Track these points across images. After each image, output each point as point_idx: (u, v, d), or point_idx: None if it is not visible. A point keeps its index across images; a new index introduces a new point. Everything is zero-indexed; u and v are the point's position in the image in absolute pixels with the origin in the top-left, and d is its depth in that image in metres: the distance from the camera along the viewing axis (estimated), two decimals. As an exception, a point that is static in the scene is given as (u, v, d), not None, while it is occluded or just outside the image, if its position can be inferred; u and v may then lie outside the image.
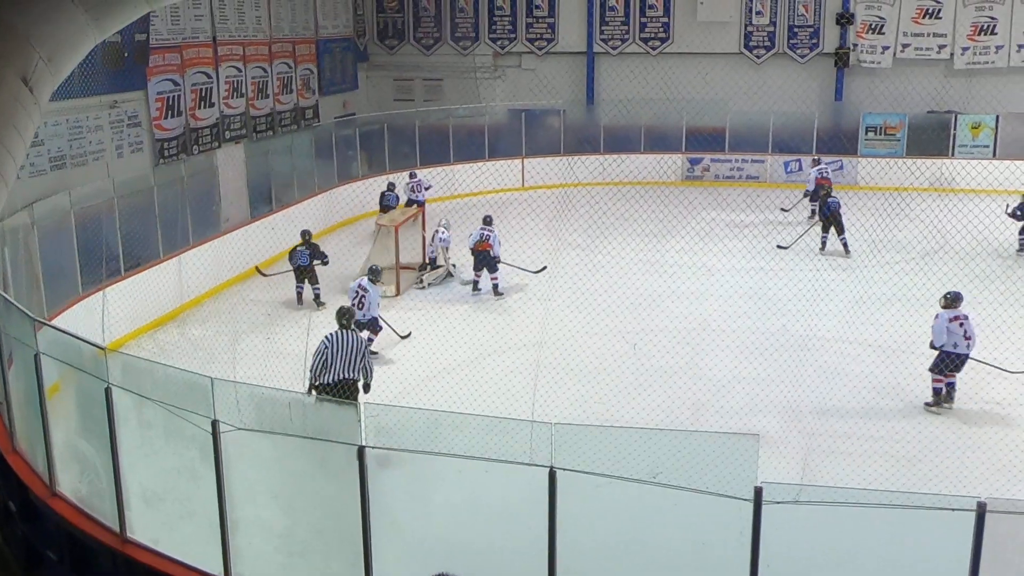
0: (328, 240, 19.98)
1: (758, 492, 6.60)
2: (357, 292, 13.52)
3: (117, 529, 8.15)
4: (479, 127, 26.01)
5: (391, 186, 21.36)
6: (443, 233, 17.48)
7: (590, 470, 6.83)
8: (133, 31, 17.23)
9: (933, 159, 24.71)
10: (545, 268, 17.08)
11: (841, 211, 19.45)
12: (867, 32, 27.33)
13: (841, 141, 26.19)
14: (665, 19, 28.28)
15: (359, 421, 7.22)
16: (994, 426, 10.91)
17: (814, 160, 23.76)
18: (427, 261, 17.69)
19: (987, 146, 26.06)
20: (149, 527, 8.17)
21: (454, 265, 17.76)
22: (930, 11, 26.94)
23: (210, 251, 16.58)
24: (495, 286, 16.74)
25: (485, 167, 24.13)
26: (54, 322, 11.39)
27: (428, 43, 29.48)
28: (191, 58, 19.95)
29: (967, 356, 11.78)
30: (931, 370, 11.90)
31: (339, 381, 10.22)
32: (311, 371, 10.37)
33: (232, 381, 7.67)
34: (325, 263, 16.33)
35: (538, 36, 28.97)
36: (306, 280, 16.38)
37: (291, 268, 16.42)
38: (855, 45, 27.34)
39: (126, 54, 17.52)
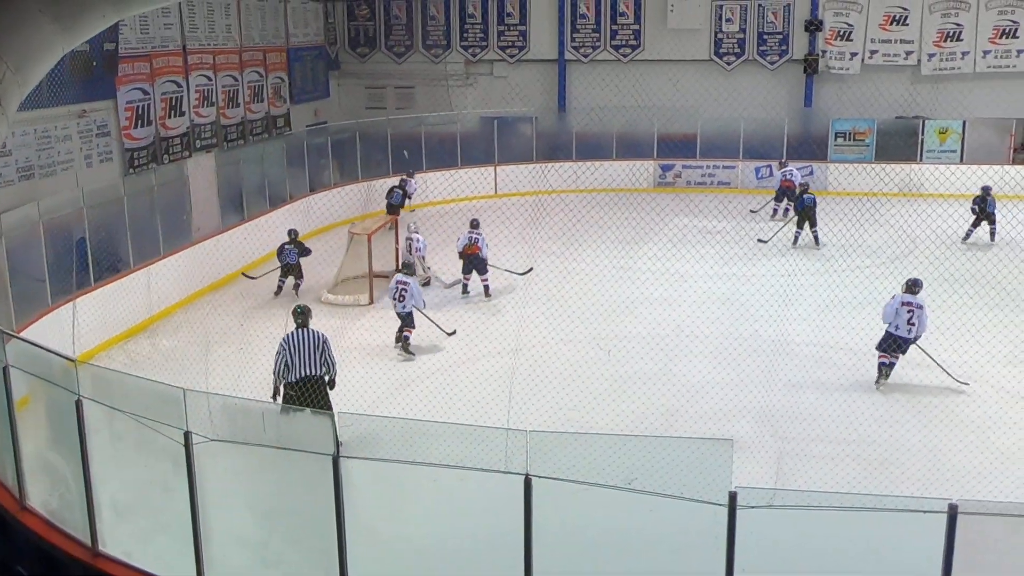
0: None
1: (732, 497, 6.63)
2: (397, 287, 13.99)
3: (88, 542, 8.07)
4: (451, 135, 26.02)
5: (402, 182, 22.21)
6: (418, 243, 17.47)
7: (565, 477, 6.84)
8: (102, 40, 17.10)
9: (902, 164, 24.97)
10: (532, 270, 17.30)
11: (816, 208, 20.32)
12: (835, 39, 27.59)
13: (811, 147, 26.43)
14: (636, 26, 28.42)
15: (333, 431, 7.21)
16: (965, 429, 11.01)
17: (780, 163, 24.22)
18: (400, 268, 17.65)
19: (954, 151, 26.37)
20: (121, 540, 8.10)
21: (433, 275, 17.78)
22: (897, 18, 27.24)
23: (181, 261, 16.47)
24: (486, 288, 16.86)
25: (457, 175, 24.14)
26: (23, 334, 11.28)
27: (400, 51, 29.45)
28: (161, 67, 19.83)
29: (905, 340, 12.47)
30: (877, 347, 12.66)
31: (303, 379, 10.32)
32: (274, 374, 10.48)
33: (204, 392, 7.62)
34: (307, 254, 17.19)
35: (510, 44, 29.03)
36: (290, 275, 16.94)
37: (279, 265, 17.03)
38: (824, 52, 27.58)
39: (95, 63, 17.39)
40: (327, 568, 7.11)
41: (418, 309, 14.17)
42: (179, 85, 20.55)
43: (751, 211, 23.44)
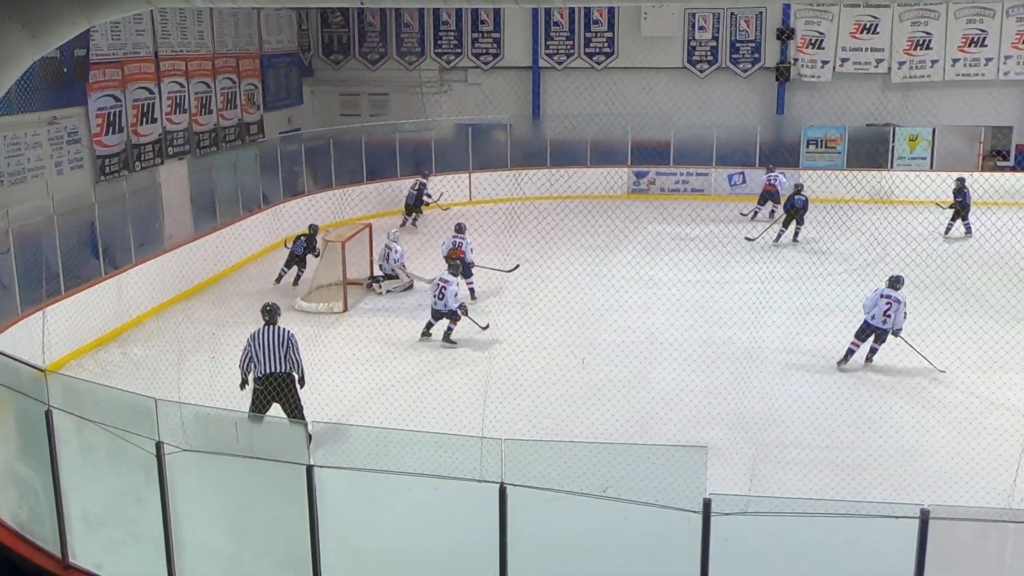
0: (275, 256, 19.83)
1: (707, 504, 6.66)
2: (439, 284, 14.55)
3: (59, 555, 7.98)
4: (425, 142, 25.98)
5: (421, 184, 23.11)
6: (396, 253, 17.45)
7: (540, 485, 6.84)
8: (72, 46, 16.97)
9: (873, 171, 25.19)
10: (519, 266, 17.46)
11: (806, 211, 21.17)
12: (807, 47, 27.83)
13: (783, 154, 26.63)
14: (610, 34, 28.53)
15: (307, 440, 7.17)
16: (938, 434, 11.09)
17: (768, 168, 24.49)
18: (375, 276, 17.61)
19: (924, 158, 26.64)
20: (92, 552, 8.02)
21: (415, 277, 17.81)
22: (867, 26, 27.51)
23: (153, 269, 16.33)
24: (472, 291, 16.96)
25: (432, 182, 24.10)
26: (-8, 343, 11.14)
27: (374, 58, 29.41)
28: (132, 73, 19.69)
29: (878, 329, 13.30)
30: (855, 335, 13.47)
31: (268, 375, 10.45)
32: (240, 367, 10.69)
33: (176, 401, 7.58)
34: (316, 255, 17.65)
35: (484, 51, 29.06)
36: (295, 266, 17.75)
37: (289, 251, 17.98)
38: (796, 60, 27.81)
39: (65, 69, 17.25)
40: (301, 579, 7.07)
41: (455, 310, 14.66)
42: (151, 92, 20.42)
43: (741, 214, 23.90)
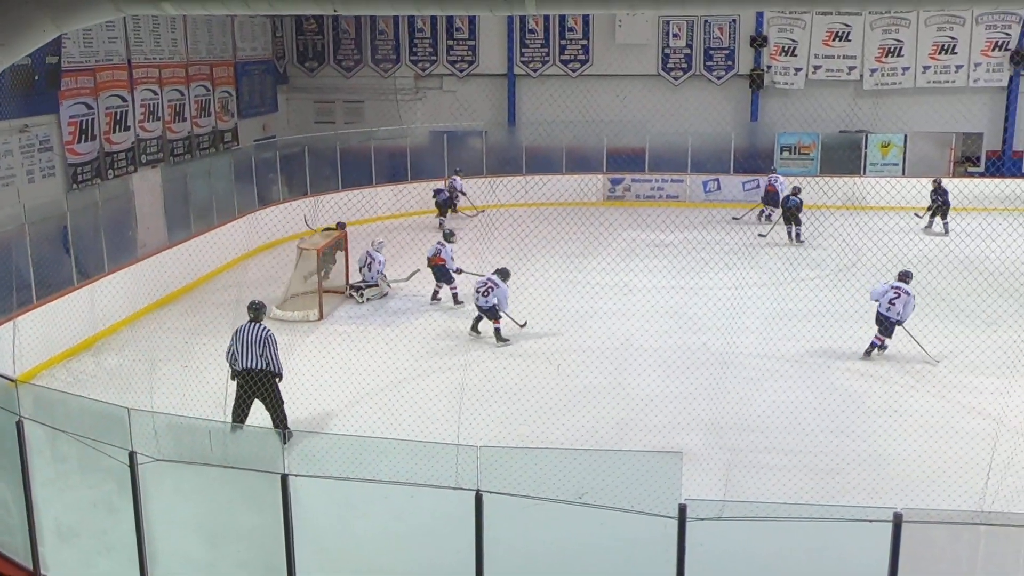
0: (250, 264, 19.76)
1: (682, 509, 6.68)
2: (486, 284, 14.97)
3: (30, 567, 7.91)
4: (401, 149, 25.96)
5: (451, 184, 23.77)
6: (379, 263, 17.41)
7: (516, 492, 6.84)
8: (44, 54, 16.84)
9: (845, 177, 25.40)
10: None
11: (800, 210, 22.06)
12: (780, 54, 28.04)
13: (757, 160, 26.81)
14: (584, 41, 28.63)
15: (285, 438, 7.14)
16: (911, 438, 11.18)
17: (771, 170, 25.03)
18: (357, 283, 17.53)
19: (896, 164, 26.90)
20: (64, 564, 7.95)
21: (394, 282, 17.87)
22: (840, 34, 27.76)
23: (126, 277, 16.20)
24: (454, 295, 17.04)
25: (407, 189, 24.09)
26: (-38, 354, 11.03)
27: (348, 65, 29.37)
28: (105, 81, 19.56)
29: (886, 318, 13.86)
30: (876, 321, 14.12)
31: (246, 370, 10.78)
32: (226, 360, 11.06)
33: (149, 411, 7.53)
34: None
35: (459, 58, 29.08)
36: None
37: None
38: (769, 67, 28.02)
39: (36, 77, 17.12)
40: (276, 588, 7.04)
41: (499, 309, 15.05)
42: (124, 99, 20.29)
43: (733, 218, 24.15)
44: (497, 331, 15.18)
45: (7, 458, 7.85)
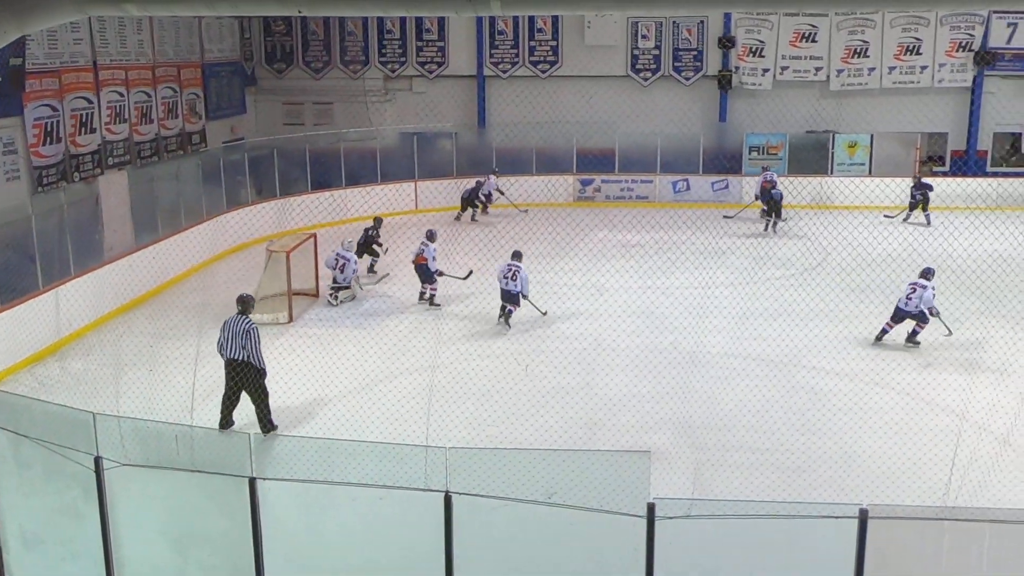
0: (218, 267, 19.65)
1: (651, 508, 6.71)
2: (510, 268, 15.68)
3: (-6, 575, 7.80)
4: (370, 151, 25.88)
5: (477, 183, 24.59)
6: (353, 264, 17.33)
7: (486, 493, 6.84)
8: (8, 55, 16.64)
9: (813, 177, 25.60)
10: (472, 273, 17.55)
11: (781, 203, 23.08)
12: (748, 55, 28.23)
13: (726, 160, 26.98)
14: (553, 42, 28.68)
15: (250, 452, 7.10)
16: (877, 434, 11.30)
17: (764, 168, 25.20)
18: (334, 287, 17.45)
19: (863, 164, 27.13)
20: (29, 571, 7.87)
21: (364, 285, 17.77)
22: (807, 35, 27.98)
23: (93, 281, 16.04)
24: (431, 297, 17.12)
25: (377, 191, 24.03)
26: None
27: (317, 67, 29.24)
28: (70, 83, 19.35)
29: (901, 311, 14.59)
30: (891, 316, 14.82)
31: (230, 360, 11.18)
32: (217, 350, 11.44)
33: (115, 416, 7.47)
34: (379, 246, 18.99)
35: (428, 59, 29.05)
36: (365, 254, 18.79)
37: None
38: (737, 68, 28.20)
39: (0, 79, 16.90)
40: (245, 592, 7.00)
41: (522, 294, 15.73)
42: (90, 101, 20.08)
43: (725, 217, 24.35)
44: (509, 313, 15.80)
45: (-30, 465, 7.76)
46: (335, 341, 15.18)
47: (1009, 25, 27.36)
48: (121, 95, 21.34)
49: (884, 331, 14.82)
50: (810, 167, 26.50)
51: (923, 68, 27.82)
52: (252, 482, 6.97)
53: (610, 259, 20.02)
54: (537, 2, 11.80)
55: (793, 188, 24.06)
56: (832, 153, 27.01)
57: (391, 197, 24.13)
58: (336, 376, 12.90)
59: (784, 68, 28.13)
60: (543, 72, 28.75)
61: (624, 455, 7.14)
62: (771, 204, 23.28)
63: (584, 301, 16.95)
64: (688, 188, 26.72)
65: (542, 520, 7.02)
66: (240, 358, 11.14)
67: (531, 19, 28.41)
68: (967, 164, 27.56)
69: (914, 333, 14.68)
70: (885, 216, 23.94)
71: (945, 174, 27.35)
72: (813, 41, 28.01)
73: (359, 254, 18.64)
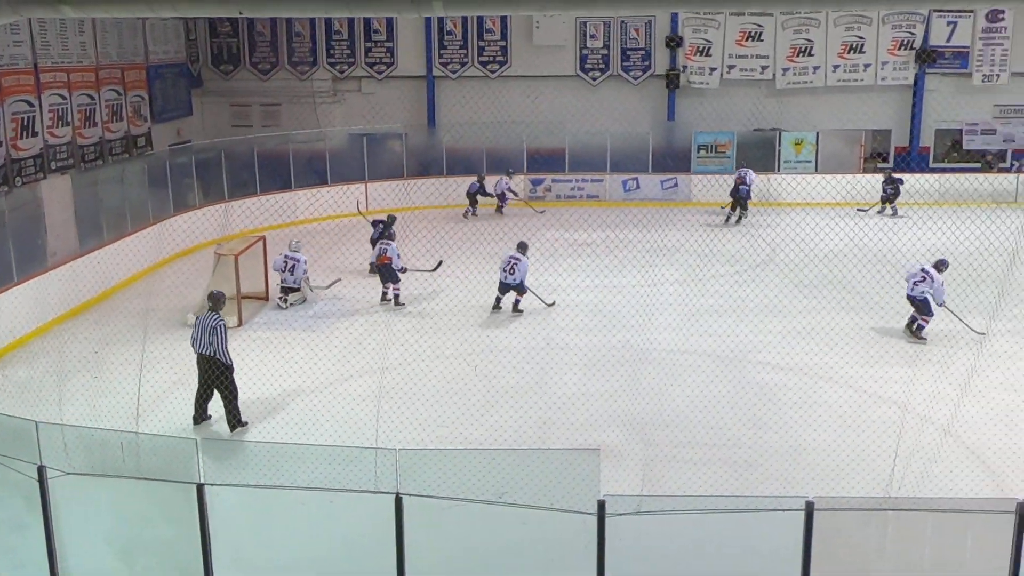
0: (165, 272, 19.40)
1: (601, 505, 6.77)
2: (510, 261, 16.28)
3: (-65, 589, 7.65)
4: (320, 152, 25.71)
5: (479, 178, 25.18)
6: (303, 265, 17.17)
7: (436, 494, 6.85)
8: (-56, 58, 16.30)
9: (760, 174, 25.89)
10: (441, 263, 17.74)
11: (748, 198, 24.13)
12: (695, 54, 28.47)
13: (675, 159, 27.20)
14: (503, 43, 28.71)
15: (197, 458, 7.03)
16: (823, 428, 11.46)
17: (739, 165, 25.80)
18: (287, 287, 17.29)
19: (809, 161, 27.50)
20: (-29, 584, 7.71)
21: (315, 288, 17.62)
22: (752, 34, 28.29)
23: (36, 287, 15.75)
24: (396, 296, 17.09)
25: (327, 192, 23.87)
26: None
27: (265, 68, 28.99)
28: (10, 86, 18.99)
29: (913, 298, 14.81)
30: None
31: (199, 355, 11.54)
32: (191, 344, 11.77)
33: (59, 424, 7.35)
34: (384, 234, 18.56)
35: (377, 60, 28.92)
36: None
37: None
38: (684, 67, 28.42)
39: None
40: (194, 600, 6.93)
41: (522, 284, 16.33)
42: (31, 104, 19.73)
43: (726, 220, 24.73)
44: (516, 302, 16.44)
45: (-92, 477, 7.59)
46: (285, 344, 15.07)
47: (949, 24, 27.91)
48: (63, 98, 20.99)
49: (914, 320, 15.02)
50: (757, 164, 26.74)
51: (866, 66, 28.26)
52: (200, 488, 6.91)
53: (562, 258, 20.10)
54: (480, 2, 11.79)
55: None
56: (779, 151, 27.34)
57: (341, 199, 23.98)
58: (286, 380, 12.81)
59: (731, 67, 28.41)
60: (492, 72, 28.77)
61: (574, 453, 7.18)
62: (738, 200, 24.04)
63: (535, 300, 16.97)
64: (638, 187, 26.90)
65: (493, 519, 7.04)
66: (208, 353, 11.44)
67: (480, 20, 28.40)
68: (910, 160, 28.05)
69: (919, 328, 14.88)
70: (859, 210, 24.34)
71: (889, 170, 27.81)
72: (759, 40, 28.32)
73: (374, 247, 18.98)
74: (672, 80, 28.37)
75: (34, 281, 15.81)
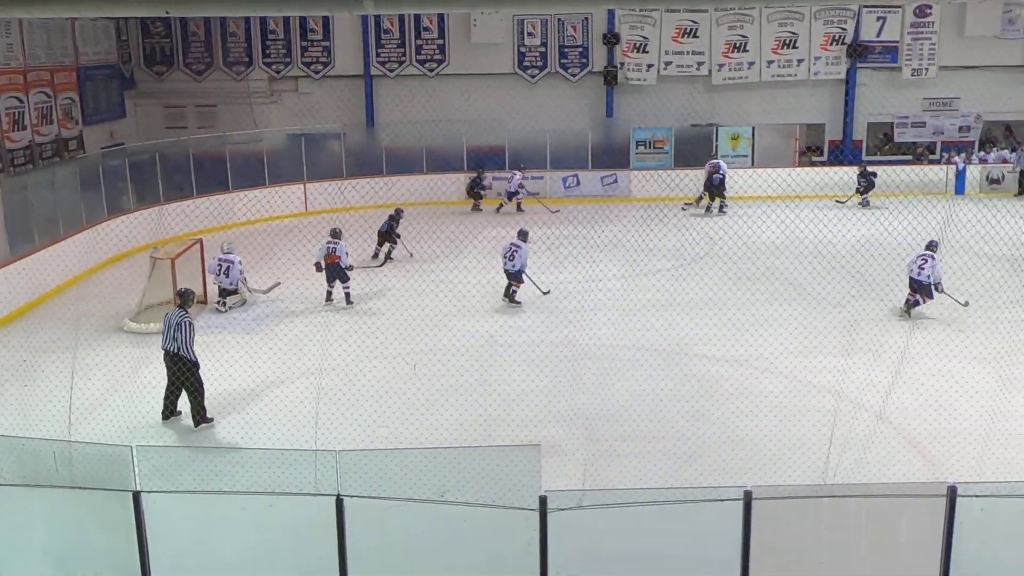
0: (100, 276, 19.06)
1: (543, 501, 6.80)
2: (510, 248, 16.67)
3: None
4: (257, 153, 25.42)
5: (480, 173, 25.91)
6: (238, 266, 16.94)
7: (377, 494, 6.82)
8: None
9: (699, 169, 26.19)
10: (389, 259, 17.79)
11: (724, 186, 24.83)
12: (632, 51, 28.67)
13: (614, 155, 27.39)
14: (440, 41, 28.64)
15: (133, 465, 6.92)
16: (760, 419, 11.62)
17: (711, 156, 26.39)
18: (224, 292, 17.06)
19: (745, 156, 27.87)
20: (-100, 601, 7.50)
21: (252, 290, 17.39)
22: (688, 30, 28.57)
23: (-36, 295, 15.40)
24: (347, 295, 16.96)
25: (265, 193, 23.61)
26: None
27: (199, 68, 28.59)
28: (-67, 89, 18.53)
29: (918, 281, 15.39)
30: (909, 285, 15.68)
31: (165, 351, 11.73)
32: None
33: (-13, 435, 7.18)
34: (397, 236, 19.89)
35: (314, 60, 28.68)
36: (386, 243, 19.85)
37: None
38: (622, 64, 28.61)
39: None
40: (132, 610, 6.83)
41: (522, 271, 16.66)
42: (-44, 108, 19.27)
43: (683, 208, 25.15)
44: (514, 292, 16.66)
45: None
46: (225, 348, 14.85)
47: (879, 19, 28.48)
48: (-10, 101, 20.54)
49: (910, 303, 15.54)
50: (696, 160, 27.08)
51: (800, 61, 28.70)
52: (136, 496, 6.81)
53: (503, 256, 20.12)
54: (411, 0, 11.76)
55: (680, 181, 24.61)
56: (716, 146, 27.67)
57: (280, 200, 23.73)
58: (226, 383, 12.63)
59: (668, 63, 28.67)
60: (431, 71, 28.69)
61: (515, 450, 7.19)
62: (715, 189, 24.66)
63: (478, 298, 16.98)
64: (578, 183, 27.03)
65: (435, 518, 7.04)
66: (172, 350, 11.61)
67: (417, 18, 28.30)
68: (843, 153, 28.57)
69: (915, 305, 15.52)
70: (837, 202, 24.65)
71: (824, 163, 28.33)
72: (695, 37, 28.61)
73: (380, 243, 19.90)
74: (610, 77, 28.56)
75: (-38, 289, 15.43)
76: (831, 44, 28.64)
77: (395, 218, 20.12)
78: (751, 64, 28.68)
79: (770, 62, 28.69)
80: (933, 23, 28.46)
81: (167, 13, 7.53)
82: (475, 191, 26.04)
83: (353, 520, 6.90)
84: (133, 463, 6.89)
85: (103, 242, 19.46)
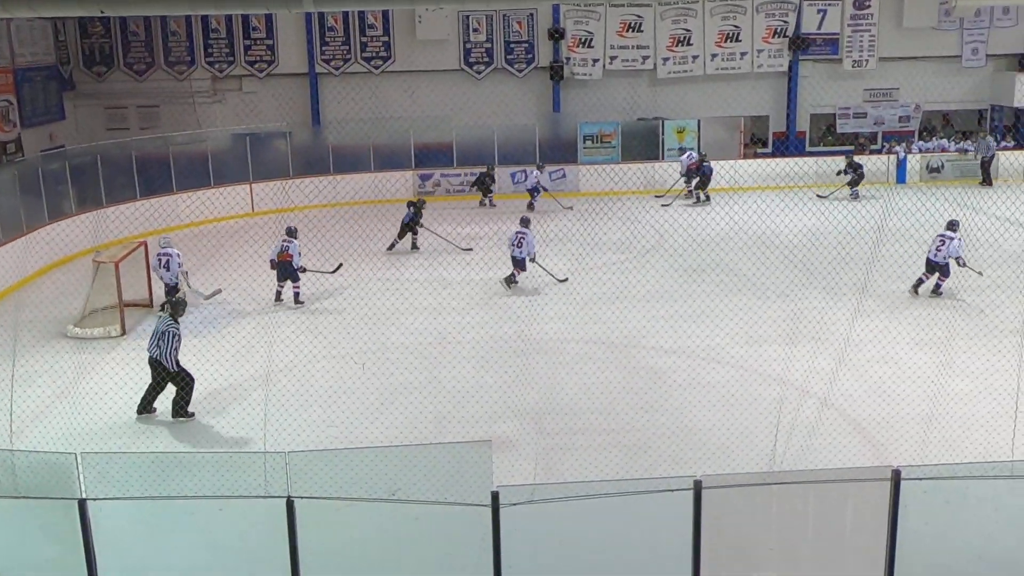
0: (42, 282, 18.72)
1: (495, 496, 6.81)
2: (517, 235, 17.16)
3: None
4: (201, 153, 25.09)
5: (489, 168, 25.97)
6: (177, 259, 16.68)
7: (328, 495, 6.79)
8: None
9: (645, 163, 26.37)
10: (341, 265, 17.61)
11: (711, 176, 25.04)
12: (578, 46, 28.79)
13: (562, 150, 27.46)
14: (385, 38, 28.51)
15: (77, 473, 6.82)
16: (710, 409, 11.75)
17: (681, 150, 26.74)
18: (170, 293, 16.78)
19: (692, 148, 28.08)
20: None
21: (193, 290, 17.09)
22: (633, 25, 28.75)
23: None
24: (296, 295, 16.85)
25: (210, 194, 23.31)
26: None
27: (140, 68, 28.17)
28: None
29: (933, 261, 15.89)
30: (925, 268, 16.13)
31: (149, 356, 11.93)
32: None
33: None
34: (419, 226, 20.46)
35: (258, 58, 28.40)
36: (408, 233, 20.37)
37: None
38: (568, 59, 28.71)
39: None
40: (80, 620, 6.73)
41: (530, 258, 17.20)
42: None
43: (663, 205, 24.87)
44: (512, 276, 17.20)
45: None
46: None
47: (819, 12, 28.91)
48: (-77, 104, 20.05)
49: (920, 281, 16.07)
50: (642, 153, 27.26)
51: (743, 54, 29.03)
52: (82, 503, 6.71)
53: (453, 252, 20.12)
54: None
55: (627, 174, 24.74)
56: (662, 139, 27.85)
57: (226, 200, 23.45)
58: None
59: (613, 58, 28.83)
60: (376, 68, 28.56)
61: (466, 446, 7.20)
62: (704, 178, 24.94)
63: (428, 296, 16.96)
64: (526, 178, 27.03)
65: (387, 518, 7.02)
66: (155, 356, 11.82)
67: (362, 15, 28.17)
68: (788, 145, 28.95)
69: (937, 287, 16.01)
70: (818, 196, 24.83)
71: (769, 155, 28.66)
72: (639, 31, 28.80)
73: (400, 234, 20.36)
74: (556, 72, 28.66)
75: (-102, 298, 15.07)
76: (773, 37, 29.01)
77: (419, 208, 20.60)
78: (695, 57, 28.95)
79: (714, 55, 28.99)
80: (872, 15, 28.96)
81: (101, 12, 7.41)
82: (484, 186, 25.91)
83: (304, 522, 6.86)
84: (78, 470, 6.78)
85: (43, 247, 19.09)
